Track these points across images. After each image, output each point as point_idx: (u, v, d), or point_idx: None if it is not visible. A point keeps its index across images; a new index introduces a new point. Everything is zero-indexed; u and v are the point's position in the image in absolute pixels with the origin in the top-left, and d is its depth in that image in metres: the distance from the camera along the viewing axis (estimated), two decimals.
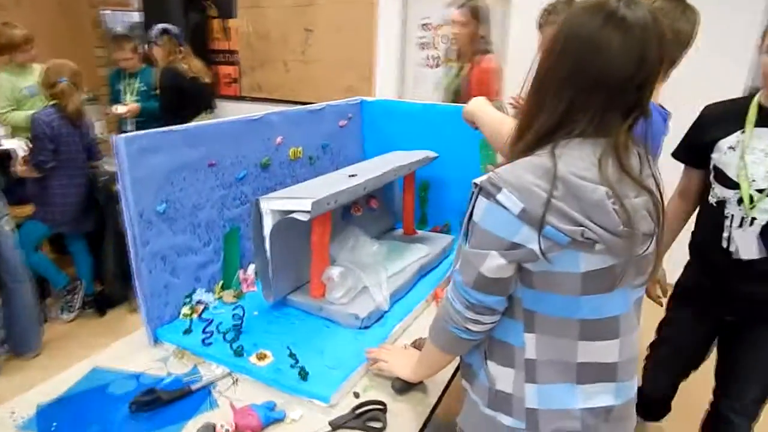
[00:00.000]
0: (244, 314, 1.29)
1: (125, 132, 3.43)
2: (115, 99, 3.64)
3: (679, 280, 1.72)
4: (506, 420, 0.89)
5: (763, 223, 1.39)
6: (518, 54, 3.72)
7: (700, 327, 1.67)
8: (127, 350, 1.27)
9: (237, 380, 1.16)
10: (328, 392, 1.08)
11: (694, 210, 1.63)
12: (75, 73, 2.73)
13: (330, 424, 1.03)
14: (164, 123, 3.30)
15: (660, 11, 0.99)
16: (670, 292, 1.76)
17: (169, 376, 1.17)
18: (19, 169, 2.65)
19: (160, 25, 3.38)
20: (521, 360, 0.87)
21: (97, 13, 4.63)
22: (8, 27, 3.04)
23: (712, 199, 1.50)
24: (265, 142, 1.57)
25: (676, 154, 1.63)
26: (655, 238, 0.84)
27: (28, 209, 2.82)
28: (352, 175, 1.50)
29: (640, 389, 1.77)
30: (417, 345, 1.22)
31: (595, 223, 0.77)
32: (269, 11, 4.51)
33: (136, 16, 4.74)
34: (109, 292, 3.03)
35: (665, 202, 0.87)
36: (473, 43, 2.75)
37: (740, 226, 1.42)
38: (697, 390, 1.79)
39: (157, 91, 3.46)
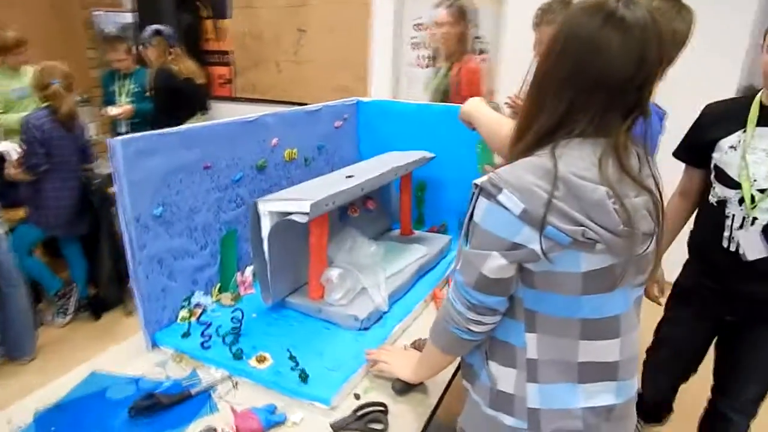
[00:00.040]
0: (242, 317, 1.28)
1: (119, 134, 3.44)
2: (109, 100, 3.62)
3: (677, 280, 1.72)
4: (508, 420, 0.89)
5: (765, 222, 1.38)
6: (513, 54, 3.73)
7: (700, 327, 1.66)
8: (126, 354, 1.26)
9: (237, 383, 1.15)
10: (329, 394, 1.08)
11: (695, 209, 1.62)
12: (67, 75, 2.71)
13: (331, 426, 1.02)
14: (158, 124, 3.31)
15: (656, 11, 1.00)
16: (668, 292, 1.75)
17: (168, 380, 1.17)
18: (12, 172, 2.62)
19: (153, 26, 3.36)
20: (523, 360, 0.88)
21: (89, 14, 4.60)
22: (0, 30, 3.01)
23: (712, 199, 1.49)
24: (261, 143, 1.56)
25: (677, 154, 1.62)
26: (654, 237, 0.84)
27: (21, 213, 2.79)
28: (349, 176, 1.49)
29: (640, 394, 1.78)
30: (417, 346, 1.22)
31: (595, 223, 0.77)
32: (262, 11, 4.50)
33: (129, 17, 4.71)
34: (104, 295, 3.00)
35: (665, 202, 0.88)
36: (460, 43, 2.73)
37: (741, 226, 1.41)
38: (695, 388, 1.80)
39: (151, 93, 3.44)
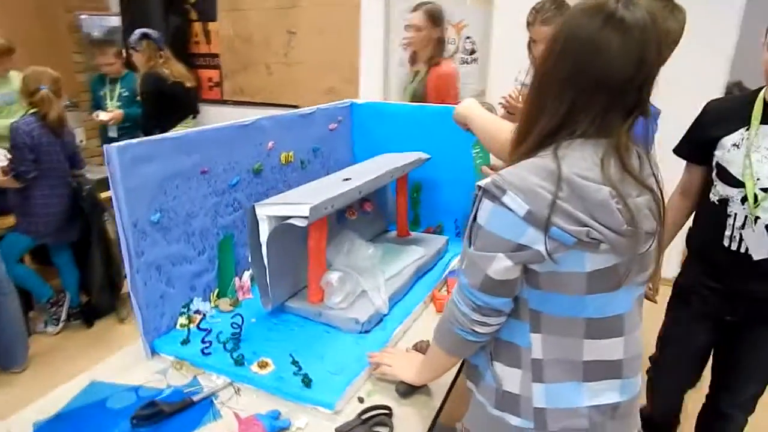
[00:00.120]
0: (242, 322, 1.27)
1: (109, 138, 3.41)
2: (97, 105, 3.59)
3: (677, 280, 1.70)
4: (514, 420, 0.90)
5: (767, 222, 1.37)
6: (501, 54, 3.75)
7: (701, 327, 1.63)
8: (124, 363, 1.24)
9: (239, 390, 1.14)
10: (333, 399, 1.07)
11: (695, 207, 1.61)
12: (55, 80, 2.68)
13: (336, 430, 1.02)
14: (148, 129, 3.29)
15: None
16: (668, 293, 1.73)
17: (169, 388, 1.15)
18: (0, 179, 2.59)
19: (140, 30, 3.32)
20: (528, 360, 0.88)
21: (74, 17, 4.55)
22: None
23: (713, 197, 1.47)
24: (257, 147, 1.56)
25: (678, 150, 1.61)
26: (656, 236, 0.85)
27: (9, 220, 2.76)
28: (347, 179, 1.49)
29: (646, 416, 1.75)
30: (419, 348, 1.22)
31: (599, 223, 0.77)
32: (251, 14, 4.48)
33: (115, 21, 4.67)
34: (96, 302, 2.98)
35: (665, 200, 0.89)
36: (434, 47, 2.68)
37: (743, 225, 1.39)
38: (698, 396, 1.80)
39: (141, 97, 3.41)
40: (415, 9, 2.67)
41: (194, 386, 1.16)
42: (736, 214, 1.41)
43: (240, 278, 1.51)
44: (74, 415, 1.08)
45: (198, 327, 1.26)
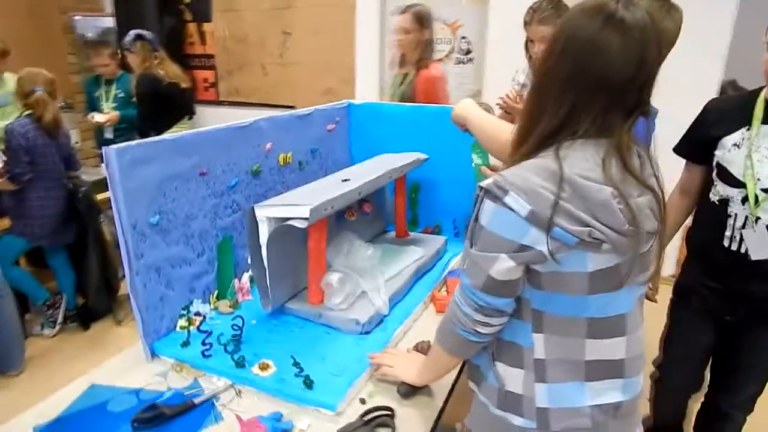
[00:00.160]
0: (243, 324, 1.27)
1: (105, 139, 3.40)
2: (93, 106, 3.57)
3: (677, 280, 1.69)
4: (517, 420, 0.90)
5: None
6: (497, 54, 3.76)
7: (702, 328, 1.61)
8: (124, 366, 1.24)
9: (240, 392, 1.14)
10: (335, 400, 1.07)
11: (695, 206, 1.61)
12: (50, 81, 2.67)
13: None
14: (144, 130, 3.28)
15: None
16: (670, 296, 1.72)
17: (170, 391, 1.15)
18: None
19: (134, 31, 3.31)
20: (530, 360, 0.88)
21: (68, 18, 4.52)
22: None
23: (713, 197, 1.46)
24: (255, 148, 1.55)
25: (678, 149, 1.60)
26: (657, 235, 0.86)
27: (4, 223, 2.74)
28: (345, 180, 1.49)
29: (649, 423, 1.74)
30: (420, 348, 1.22)
31: (601, 223, 0.78)
32: (246, 14, 4.47)
33: (109, 21, 4.65)
34: (93, 304, 2.96)
35: (666, 200, 0.89)
36: (421, 50, 2.64)
37: (744, 225, 1.39)
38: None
39: (136, 98, 3.39)
40: (404, 11, 2.64)
41: (195, 388, 1.15)
42: (736, 215, 1.41)
43: (239, 280, 1.51)
44: (75, 418, 1.07)
45: (198, 329, 1.26)
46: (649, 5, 1.31)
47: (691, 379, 1.74)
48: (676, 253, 2.63)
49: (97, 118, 3.42)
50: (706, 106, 1.53)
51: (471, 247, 0.87)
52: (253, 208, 1.30)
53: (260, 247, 1.30)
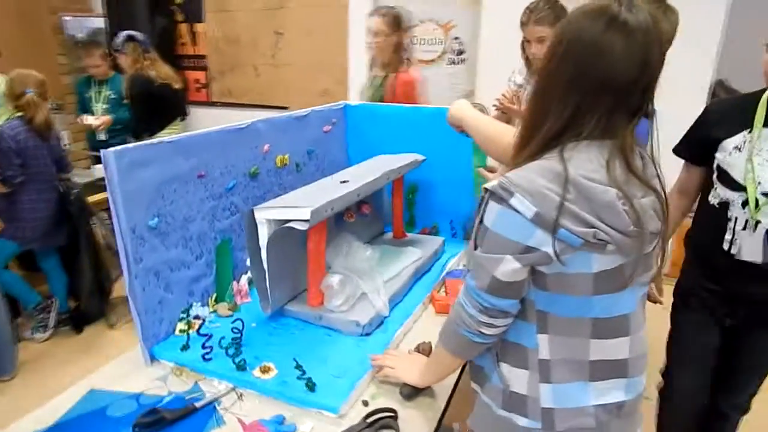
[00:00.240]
0: (243, 327, 1.26)
1: (99, 141, 3.36)
2: (84, 107, 3.54)
3: (677, 282, 1.67)
4: (521, 421, 0.90)
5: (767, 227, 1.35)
6: (490, 54, 3.77)
7: (704, 330, 1.58)
8: (123, 370, 1.22)
9: (241, 395, 1.13)
10: (337, 402, 1.07)
11: (692, 206, 1.61)
12: (41, 83, 2.64)
13: None
14: (137, 131, 3.25)
15: None
16: (671, 302, 1.70)
17: (170, 395, 1.14)
18: None
19: (125, 32, 3.29)
20: (535, 361, 0.89)
21: (58, 19, 4.48)
22: None
23: (713, 200, 1.45)
24: (253, 150, 1.54)
25: (678, 150, 1.59)
26: (660, 236, 0.86)
27: None
28: (344, 182, 1.49)
29: None
30: (421, 349, 1.22)
31: (606, 224, 0.78)
32: (238, 15, 4.46)
33: (99, 22, 4.61)
34: (86, 308, 2.93)
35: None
36: (396, 53, 2.58)
37: (744, 229, 1.38)
38: None
39: (128, 100, 3.37)
40: (376, 13, 2.61)
41: (196, 392, 1.15)
42: (736, 218, 1.39)
43: (238, 282, 1.50)
44: (74, 424, 1.06)
45: (198, 332, 1.25)
46: (646, 7, 1.33)
47: (699, 383, 1.65)
48: (671, 255, 2.66)
49: (88, 120, 3.39)
50: (706, 108, 1.52)
51: (475, 248, 0.87)
52: (252, 210, 1.29)
53: (260, 249, 1.30)
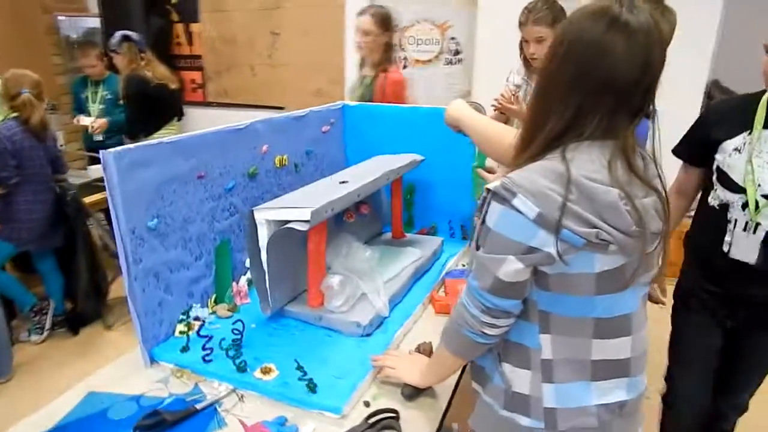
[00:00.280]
0: (243, 328, 1.26)
1: (95, 142, 3.34)
2: (80, 107, 3.52)
3: (677, 284, 1.66)
4: (524, 421, 0.90)
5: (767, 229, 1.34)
6: (486, 55, 3.78)
7: (705, 332, 1.56)
8: (123, 372, 1.22)
9: (242, 396, 1.13)
10: (339, 403, 1.07)
11: (690, 206, 1.61)
12: (36, 83, 2.63)
13: None
14: (133, 132, 3.24)
15: None
16: (672, 305, 1.69)
17: (170, 397, 1.14)
18: None
19: (120, 32, 3.27)
20: (537, 361, 0.89)
21: (52, 19, 4.45)
22: None
23: (713, 202, 1.44)
24: (252, 151, 1.54)
25: (677, 151, 1.58)
26: (662, 236, 0.87)
27: None
28: (343, 182, 1.49)
29: None
30: (422, 350, 1.22)
31: (608, 225, 0.78)
32: (234, 15, 4.44)
33: (94, 22, 4.58)
34: (82, 309, 2.91)
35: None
36: (384, 52, 2.57)
37: (744, 230, 1.38)
38: None
39: (124, 100, 3.35)
40: (364, 13, 2.59)
41: (196, 394, 1.14)
42: (736, 220, 1.39)
43: (237, 283, 1.50)
44: (74, 426, 1.06)
45: (198, 334, 1.25)
46: (646, 7, 1.33)
47: (701, 385, 1.62)
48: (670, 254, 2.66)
49: (84, 121, 3.37)
50: (706, 108, 1.52)
51: (477, 249, 0.87)
52: (252, 211, 1.29)
53: (260, 250, 1.29)
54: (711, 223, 1.44)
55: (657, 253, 0.88)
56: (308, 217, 1.20)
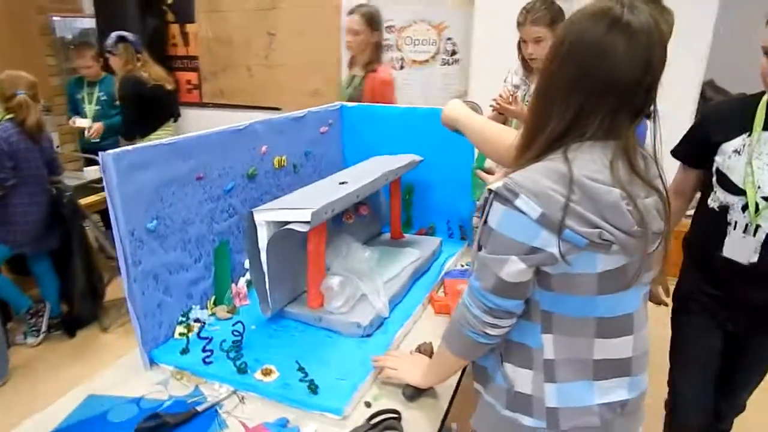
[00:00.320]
0: (243, 329, 1.26)
1: (92, 143, 3.32)
2: (75, 109, 3.50)
3: (677, 288, 1.64)
4: (526, 420, 0.91)
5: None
6: (482, 55, 3.79)
7: (706, 335, 1.54)
8: (122, 375, 1.21)
9: (243, 398, 1.13)
10: (341, 404, 1.07)
11: (689, 206, 1.60)
12: (32, 84, 2.61)
13: None
14: (129, 133, 3.23)
15: None
16: (671, 307, 1.67)
17: (171, 399, 1.13)
18: None
19: (116, 33, 3.25)
20: (539, 361, 0.89)
21: (47, 19, 4.43)
22: None
23: (713, 204, 1.42)
24: (251, 151, 1.54)
25: (676, 153, 1.57)
26: (663, 236, 0.87)
27: None
28: (343, 183, 1.48)
29: None
30: (422, 350, 1.22)
31: (611, 225, 0.79)
32: (230, 15, 4.43)
33: (88, 23, 4.56)
34: (78, 312, 2.89)
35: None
36: (372, 51, 2.58)
37: (744, 233, 1.36)
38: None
39: (121, 101, 3.33)
40: (353, 12, 2.59)
41: (197, 396, 1.14)
42: (736, 222, 1.37)
43: (236, 284, 1.50)
44: (74, 429, 1.05)
45: (198, 336, 1.24)
46: (645, 8, 1.34)
47: (704, 390, 1.58)
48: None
49: (79, 122, 3.36)
50: (705, 109, 1.49)
51: (479, 249, 0.87)
52: (251, 213, 1.28)
53: (259, 251, 1.29)
54: (711, 226, 1.43)
55: (658, 253, 0.89)
56: (309, 218, 1.20)
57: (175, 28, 4.65)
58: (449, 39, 3.95)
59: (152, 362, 1.24)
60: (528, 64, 2.12)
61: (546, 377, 0.89)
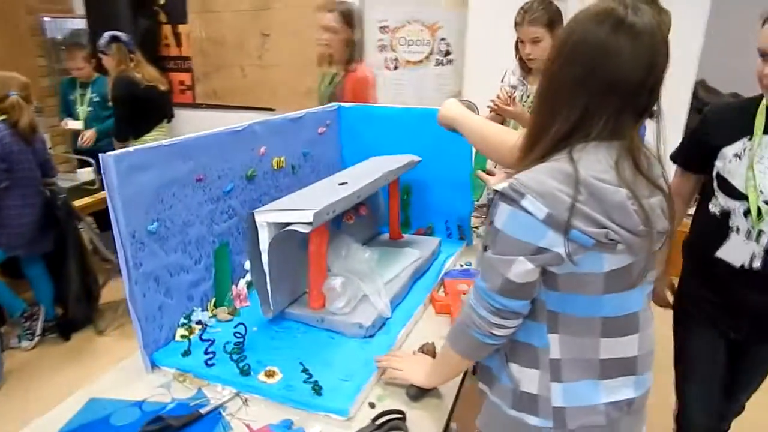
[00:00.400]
0: (246, 331, 1.25)
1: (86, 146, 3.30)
2: (67, 110, 3.47)
3: (678, 294, 1.62)
4: (533, 420, 0.91)
5: None
6: (476, 56, 3.80)
7: (708, 340, 1.52)
8: (124, 378, 1.21)
9: (246, 400, 1.12)
10: (346, 405, 1.07)
11: (688, 207, 1.59)
12: (24, 85, 2.59)
13: None
14: (123, 134, 3.20)
15: None
16: (673, 313, 1.65)
17: (173, 402, 1.13)
18: None
19: (109, 33, 3.22)
20: (546, 361, 0.89)
21: (37, 20, 4.38)
22: None
23: (714, 209, 1.40)
24: (250, 153, 1.53)
25: (675, 158, 1.55)
26: (667, 235, 0.88)
27: None
28: (342, 183, 1.48)
29: None
30: (425, 350, 1.22)
31: (617, 224, 0.79)
32: (223, 15, 4.41)
33: (79, 23, 4.52)
34: (73, 314, 2.86)
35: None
36: (347, 49, 2.54)
37: (747, 238, 1.34)
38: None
39: (113, 102, 3.31)
40: (330, 10, 2.55)
41: (200, 398, 1.13)
42: (738, 228, 1.35)
43: (236, 286, 1.49)
44: None
45: (200, 338, 1.23)
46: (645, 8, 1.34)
47: (712, 401, 1.57)
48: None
49: (71, 124, 3.33)
50: (705, 113, 1.47)
51: (485, 250, 0.88)
52: (252, 214, 1.28)
53: (260, 252, 1.29)
54: (712, 231, 1.41)
55: (661, 252, 0.89)
56: (311, 219, 1.20)
57: (167, 29, 4.63)
58: (443, 39, 3.96)
59: (154, 365, 1.24)
60: (525, 64, 2.13)
61: (552, 377, 0.89)
